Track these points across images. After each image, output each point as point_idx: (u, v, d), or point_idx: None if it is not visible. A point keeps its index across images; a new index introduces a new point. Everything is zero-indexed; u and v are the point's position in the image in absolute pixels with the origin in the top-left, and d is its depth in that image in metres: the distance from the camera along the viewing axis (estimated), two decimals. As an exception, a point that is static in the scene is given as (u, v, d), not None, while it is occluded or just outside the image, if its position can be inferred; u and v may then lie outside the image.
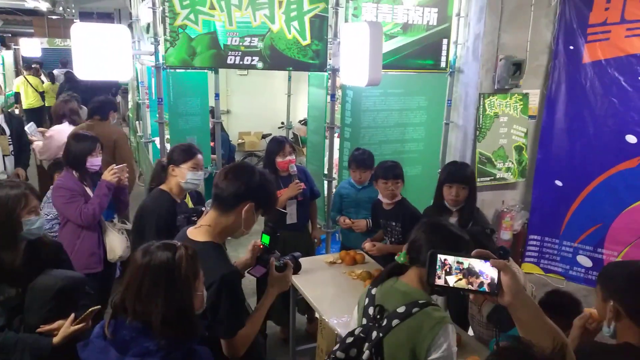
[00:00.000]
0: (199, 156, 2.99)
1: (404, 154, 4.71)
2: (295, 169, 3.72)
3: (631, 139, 4.64)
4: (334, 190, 4.62)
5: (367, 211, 3.77)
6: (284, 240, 3.28)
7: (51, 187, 3.52)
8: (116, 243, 3.40)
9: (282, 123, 7.48)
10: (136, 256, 1.56)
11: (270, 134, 8.55)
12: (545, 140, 5.03)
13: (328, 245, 4.54)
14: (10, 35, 17.48)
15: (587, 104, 4.79)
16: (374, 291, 1.96)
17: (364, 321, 1.92)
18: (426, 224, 1.95)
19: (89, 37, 3.43)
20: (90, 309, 2.11)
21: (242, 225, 1.92)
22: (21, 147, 4.97)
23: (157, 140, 4.86)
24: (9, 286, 2.13)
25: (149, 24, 4.43)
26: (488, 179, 4.94)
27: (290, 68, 4.41)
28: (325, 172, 4.64)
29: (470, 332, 2.98)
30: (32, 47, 14.19)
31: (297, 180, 3.67)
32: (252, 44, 4.08)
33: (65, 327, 2.06)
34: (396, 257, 1.90)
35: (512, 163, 5.02)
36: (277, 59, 4.17)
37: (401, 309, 1.78)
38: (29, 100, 11.11)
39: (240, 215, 1.90)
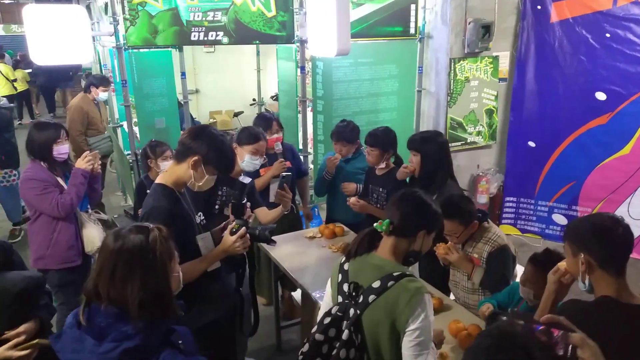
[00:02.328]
0: (262, 142, 3.13)
1: (378, 124, 4.61)
2: (280, 147, 3.63)
3: (601, 96, 4.69)
4: (310, 165, 4.58)
5: (355, 182, 3.66)
6: None
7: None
8: (94, 234, 3.29)
9: (254, 100, 7.35)
10: (107, 241, 1.51)
11: (242, 112, 8.41)
12: (516, 102, 5.05)
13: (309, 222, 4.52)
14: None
15: (557, 64, 4.81)
16: (346, 266, 1.90)
17: (340, 298, 1.86)
18: (400, 195, 1.89)
19: (43, 20, 3.27)
20: (36, 341, 1.97)
21: (192, 177, 2.16)
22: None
23: (125, 124, 4.72)
24: None
25: (106, 3, 4.26)
26: (459, 143, 4.96)
27: (257, 42, 4.30)
28: (300, 147, 4.58)
29: (452, 296, 3.01)
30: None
31: (282, 159, 3.59)
32: (215, 19, 3.95)
33: (3, 349, 1.91)
34: (376, 225, 1.82)
35: (483, 127, 5.05)
36: (242, 32, 4.05)
37: (376, 284, 1.74)
38: (1, 89, 10.63)
39: (189, 167, 2.15)
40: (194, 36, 3.95)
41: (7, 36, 14.97)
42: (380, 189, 3.40)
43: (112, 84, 5.74)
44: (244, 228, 2.29)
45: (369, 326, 1.72)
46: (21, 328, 1.99)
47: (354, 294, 1.78)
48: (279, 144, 3.63)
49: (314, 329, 1.83)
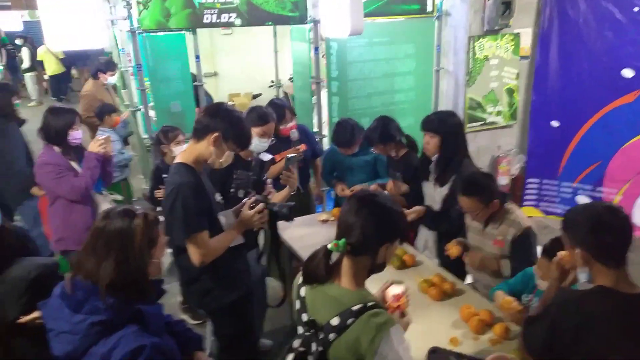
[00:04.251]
0: (270, 124, 3.08)
1: (394, 105, 4.59)
2: (297, 134, 3.59)
3: (628, 73, 4.50)
4: (326, 147, 4.54)
5: (364, 174, 3.65)
6: (285, 200, 3.23)
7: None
8: None
9: (272, 82, 7.31)
10: (97, 218, 1.62)
11: (260, 94, 8.37)
12: (539, 81, 4.89)
13: (323, 204, 4.50)
14: (-11, 10, 16.97)
15: (581, 40, 4.63)
16: (303, 292, 1.68)
17: (300, 329, 1.67)
18: (353, 203, 1.59)
19: (58, 4, 3.29)
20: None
21: (213, 154, 2.22)
22: None
23: (142, 108, 4.74)
24: None
25: (120, -14, 4.24)
26: (478, 124, 4.84)
27: (270, 22, 4.24)
28: (315, 129, 4.53)
29: (468, 279, 2.97)
30: (12, 21, 13.77)
31: (297, 147, 3.56)
32: (227, 0, 3.90)
33: None
34: (330, 246, 1.55)
35: (503, 106, 4.91)
36: (255, 14, 4.00)
37: (335, 321, 1.52)
38: (52, 67, 12.02)
39: (209, 144, 2.21)
40: (207, 18, 3.92)
41: (31, 21, 15.15)
42: (397, 174, 3.36)
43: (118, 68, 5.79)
44: (262, 204, 2.37)
45: None
46: (35, 313, 2.03)
47: (312, 331, 1.59)
48: (295, 131, 3.58)
49: None
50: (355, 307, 1.51)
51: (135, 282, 1.55)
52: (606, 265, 1.58)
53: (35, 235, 4.23)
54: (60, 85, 12.78)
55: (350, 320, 1.50)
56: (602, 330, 1.52)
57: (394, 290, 1.82)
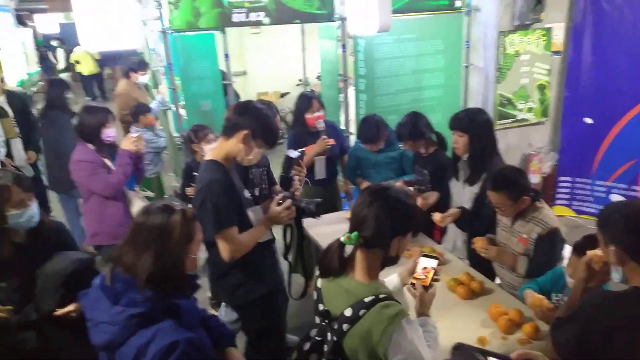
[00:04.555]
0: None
1: (422, 101, 4.56)
2: (323, 124, 3.63)
3: (665, 68, 4.37)
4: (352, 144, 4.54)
5: (390, 171, 3.64)
6: (312, 195, 3.25)
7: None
8: None
9: (300, 80, 7.35)
10: (139, 212, 1.66)
11: (288, 92, 8.43)
12: (572, 77, 4.78)
13: (351, 201, 4.50)
14: (28, 12, 17.49)
15: (616, 35, 4.50)
16: (319, 283, 1.74)
17: (317, 319, 1.73)
18: (366, 196, 1.62)
19: (92, 6, 3.39)
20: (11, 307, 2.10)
21: (243, 151, 2.25)
22: (30, 128, 4.84)
23: (174, 107, 4.84)
24: None
25: (152, -12, 4.33)
26: (509, 121, 4.76)
27: (298, 21, 4.26)
28: (343, 126, 4.54)
29: (498, 280, 2.93)
30: (49, 23, 14.18)
31: (325, 137, 3.60)
32: (256, -1, 3.94)
33: None
34: (343, 239, 1.60)
35: (534, 103, 4.82)
36: (283, 12, 4.03)
37: (348, 312, 1.55)
38: (90, 67, 12.80)
39: (239, 141, 2.24)
40: (236, 17, 3.96)
41: (67, 23, 15.56)
42: (425, 171, 3.34)
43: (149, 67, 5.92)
44: (289, 200, 2.41)
45: (350, 352, 1.59)
46: (71, 306, 2.10)
47: (327, 321, 1.64)
48: (321, 121, 3.62)
49: (294, 354, 1.73)
50: (367, 299, 1.54)
51: (172, 276, 1.59)
52: None
53: (74, 227, 4.40)
54: (95, 84, 13.35)
55: (362, 312, 1.53)
56: (636, 333, 1.49)
57: (425, 262, 1.84)
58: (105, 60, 13.38)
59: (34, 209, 2.22)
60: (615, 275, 1.61)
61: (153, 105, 5.33)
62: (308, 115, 3.62)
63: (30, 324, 2.13)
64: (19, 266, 2.17)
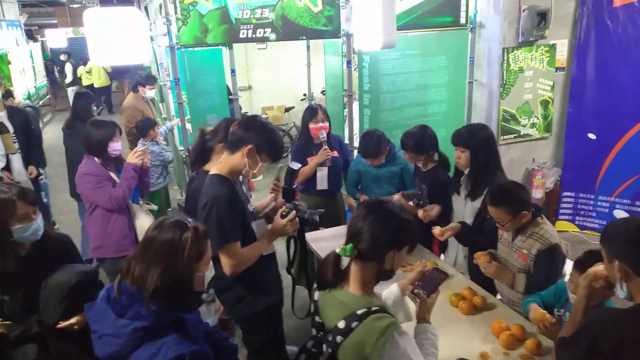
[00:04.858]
0: None
1: (426, 117, 4.59)
2: (324, 135, 3.67)
3: (669, 84, 4.39)
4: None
5: (390, 186, 3.64)
6: (315, 205, 3.27)
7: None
8: (146, 224, 3.44)
9: (304, 95, 7.41)
10: (151, 226, 1.66)
11: (293, 107, 8.49)
12: (575, 93, 4.81)
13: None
14: (37, 27, 17.78)
15: (620, 51, 4.54)
16: (316, 296, 1.77)
17: (313, 331, 1.77)
18: (362, 209, 1.64)
19: (102, 22, 3.43)
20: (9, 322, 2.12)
21: (247, 165, 2.26)
22: (31, 143, 4.91)
23: (179, 121, 4.88)
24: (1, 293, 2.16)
25: (160, 4, 4.41)
26: (512, 136, 4.78)
27: (304, 37, 4.33)
28: (347, 141, 4.57)
29: (499, 295, 2.93)
30: (57, 37, 14.42)
31: (326, 147, 3.64)
32: (263, 16, 4.01)
33: None
34: (338, 251, 1.61)
35: (538, 118, 4.84)
36: (289, 28, 4.09)
37: (341, 324, 1.57)
38: (101, 80, 13.24)
39: (243, 156, 2.25)
40: (243, 33, 4.03)
41: (75, 38, 15.79)
42: (424, 186, 3.35)
43: (157, 81, 5.99)
44: (294, 212, 2.41)
45: None
46: (73, 319, 2.11)
47: (321, 333, 1.67)
48: (323, 132, 3.67)
49: None
50: (359, 311, 1.55)
51: (179, 292, 1.58)
52: None
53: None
54: (102, 97, 13.54)
55: (354, 324, 1.54)
56: None
57: (434, 274, 1.90)
58: (113, 73, 13.59)
59: (38, 222, 2.23)
60: (620, 292, 1.60)
61: (161, 130, 5.38)
62: (312, 125, 3.68)
63: (31, 337, 2.14)
64: (23, 278, 2.18)
